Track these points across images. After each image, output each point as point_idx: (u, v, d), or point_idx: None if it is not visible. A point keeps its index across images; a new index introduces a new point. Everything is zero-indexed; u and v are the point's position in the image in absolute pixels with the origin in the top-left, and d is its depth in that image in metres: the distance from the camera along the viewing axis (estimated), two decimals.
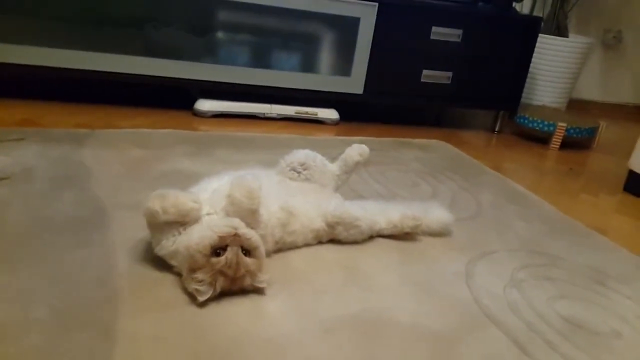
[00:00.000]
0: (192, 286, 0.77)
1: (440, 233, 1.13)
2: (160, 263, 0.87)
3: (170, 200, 0.81)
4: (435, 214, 1.12)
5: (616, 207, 1.54)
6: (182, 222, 0.82)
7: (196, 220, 0.83)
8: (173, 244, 0.82)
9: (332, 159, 1.16)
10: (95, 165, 1.23)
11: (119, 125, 1.56)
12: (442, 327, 0.83)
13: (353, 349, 0.75)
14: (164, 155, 1.36)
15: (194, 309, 0.78)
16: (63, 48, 1.58)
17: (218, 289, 0.78)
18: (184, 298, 0.80)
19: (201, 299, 0.77)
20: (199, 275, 0.77)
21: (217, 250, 0.78)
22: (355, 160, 1.14)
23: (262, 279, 0.82)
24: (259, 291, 0.83)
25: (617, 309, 0.95)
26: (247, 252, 0.81)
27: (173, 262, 0.84)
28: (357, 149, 1.15)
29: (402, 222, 1.07)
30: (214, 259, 0.77)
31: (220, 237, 0.78)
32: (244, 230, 0.81)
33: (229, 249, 0.78)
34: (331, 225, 1.00)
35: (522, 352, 0.79)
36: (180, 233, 0.82)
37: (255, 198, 0.84)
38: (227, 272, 0.78)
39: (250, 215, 0.85)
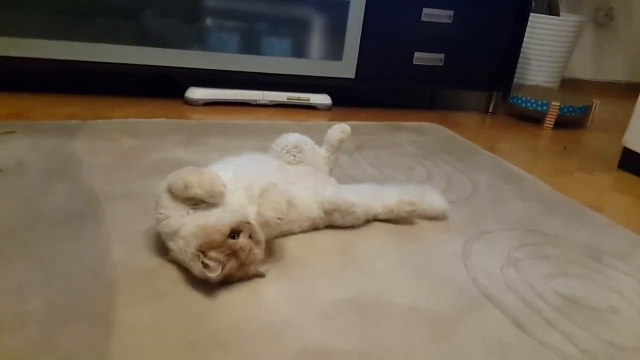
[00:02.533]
0: (202, 261, 0.76)
1: (435, 218, 1.12)
2: (156, 252, 0.86)
3: (206, 177, 0.82)
4: (431, 201, 1.11)
5: (611, 185, 1.55)
6: (206, 201, 0.83)
7: (218, 204, 0.84)
8: (178, 224, 0.82)
9: (321, 145, 1.16)
10: (86, 156, 1.22)
11: (110, 115, 1.54)
12: (440, 308, 0.83)
13: (353, 332, 0.75)
14: (156, 144, 1.35)
15: (190, 297, 0.77)
16: (50, 39, 1.56)
17: (226, 270, 0.77)
18: (180, 286, 0.79)
19: (211, 275, 0.76)
20: (213, 253, 0.76)
21: (233, 233, 0.79)
22: (339, 138, 1.14)
23: (264, 268, 0.84)
24: (260, 275, 0.83)
25: (614, 285, 0.96)
26: (254, 242, 0.81)
27: (171, 244, 0.83)
28: (338, 127, 1.15)
29: (398, 207, 1.07)
30: (231, 240, 0.78)
31: (239, 222, 0.79)
32: (253, 221, 0.82)
33: (242, 234, 0.79)
34: (328, 212, 1.00)
35: (520, 329, 0.80)
36: (188, 214, 0.82)
37: (283, 217, 0.85)
38: (241, 255, 0.78)
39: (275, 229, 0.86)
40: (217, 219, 0.79)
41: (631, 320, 0.86)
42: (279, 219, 0.84)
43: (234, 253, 0.78)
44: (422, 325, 0.78)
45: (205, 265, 0.76)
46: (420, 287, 0.88)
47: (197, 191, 0.81)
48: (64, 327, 0.69)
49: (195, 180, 0.81)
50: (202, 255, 0.77)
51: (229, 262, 0.78)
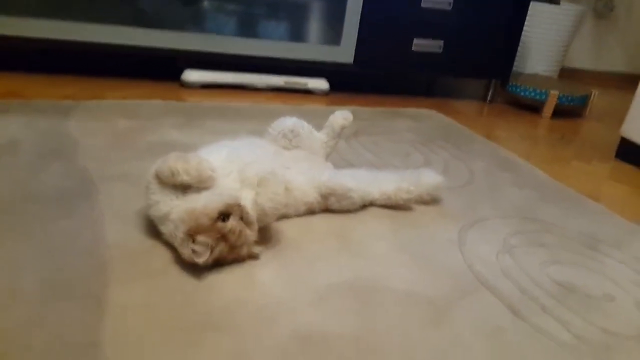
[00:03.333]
0: (190, 247, 0.76)
1: (433, 200, 1.12)
2: (150, 233, 0.85)
3: (193, 163, 0.81)
4: (426, 179, 1.10)
5: (608, 174, 1.54)
6: (194, 186, 0.82)
7: (208, 188, 0.83)
8: (168, 208, 0.81)
9: (320, 130, 1.15)
10: (81, 136, 1.20)
11: (105, 96, 1.52)
12: (436, 293, 0.82)
13: (347, 316, 0.74)
14: (152, 126, 1.33)
15: (184, 278, 0.77)
16: (47, 18, 1.53)
17: (216, 254, 0.77)
18: (174, 267, 0.79)
19: (199, 260, 0.75)
20: (201, 238, 0.76)
21: (222, 216, 0.77)
22: (341, 124, 1.13)
23: (257, 250, 0.83)
24: (253, 257, 0.82)
25: (610, 273, 0.95)
26: (245, 224, 0.80)
27: (162, 228, 0.82)
28: (341, 114, 1.14)
29: (395, 195, 1.06)
30: (220, 224, 0.77)
31: (228, 205, 0.78)
32: (244, 202, 0.81)
33: (232, 217, 0.78)
34: (324, 196, 0.99)
35: (515, 315, 0.79)
36: (177, 198, 0.81)
37: (281, 208, 0.85)
38: (230, 238, 0.77)
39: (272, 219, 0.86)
40: (205, 203, 0.78)
41: (626, 308, 0.86)
42: (275, 209, 0.84)
43: (223, 236, 0.77)
44: (417, 311, 0.78)
45: (193, 251, 0.76)
46: (416, 273, 0.87)
47: (184, 178, 0.80)
48: (55, 305, 0.68)
49: (181, 167, 0.80)
50: (190, 240, 0.76)
51: (218, 246, 0.77)
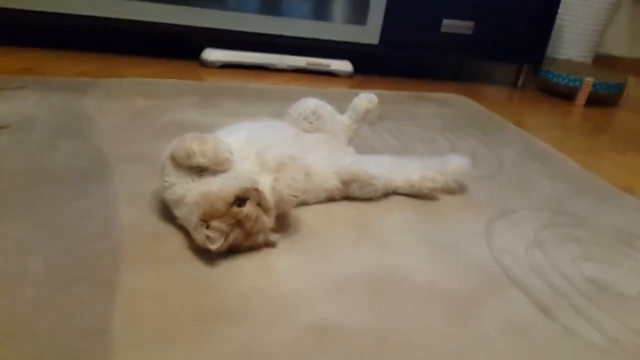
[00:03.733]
0: (204, 233, 0.73)
1: (460, 189, 1.07)
2: (164, 216, 0.82)
3: (210, 144, 0.78)
4: (453, 164, 1.06)
5: None
6: (211, 169, 0.79)
7: (225, 171, 0.80)
8: (183, 191, 0.78)
9: (343, 113, 1.11)
10: (97, 115, 1.18)
11: (123, 74, 1.50)
12: (460, 287, 0.78)
13: (366, 308, 0.71)
14: (169, 105, 1.30)
15: (198, 264, 0.74)
16: None
17: (230, 241, 0.74)
18: (188, 253, 0.76)
19: (212, 247, 0.72)
20: (215, 223, 0.72)
21: (238, 201, 0.74)
22: (365, 107, 1.08)
23: (274, 237, 0.80)
24: (270, 245, 0.79)
25: None
26: (262, 210, 0.77)
27: (177, 212, 0.79)
28: (365, 96, 1.09)
29: (420, 183, 1.02)
30: (236, 209, 0.73)
31: (244, 189, 0.75)
32: (262, 187, 0.77)
33: (248, 202, 0.74)
34: (346, 183, 0.95)
35: (545, 315, 0.75)
36: (193, 181, 0.78)
37: (299, 195, 0.81)
38: (246, 224, 0.74)
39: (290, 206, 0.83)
40: (221, 186, 0.75)
41: None
42: (294, 196, 0.80)
43: (238, 222, 0.74)
44: (440, 305, 0.74)
45: (206, 236, 0.72)
46: (439, 265, 0.83)
47: (201, 160, 0.77)
48: (64, 288, 0.66)
49: (197, 148, 0.77)
50: (204, 225, 0.73)
51: (232, 232, 0.74)
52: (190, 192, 0.77)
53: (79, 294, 0.65)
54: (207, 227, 0.73)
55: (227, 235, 0.73)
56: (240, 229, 0.74)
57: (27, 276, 0.67)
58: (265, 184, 0.80)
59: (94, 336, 0.60)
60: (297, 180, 0.80)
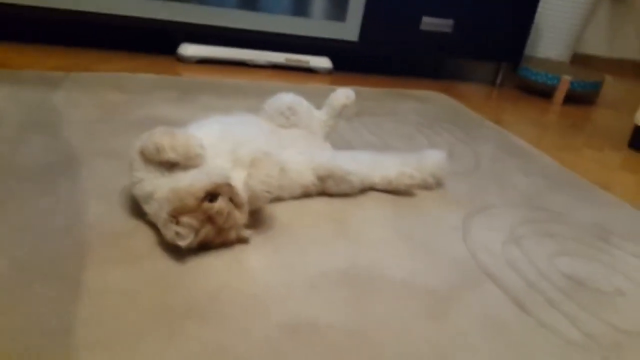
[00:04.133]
0: (173, 229, 0.70)
1: (437, 184, 1.07)
2: (134, 212, 0.80)
3: (180, 139, 0.76)
4: (429, 159, 1.05)
5: (621, 163, 1.48)
6: (182, 164, 0.76)
7: (196, 166, 0.77)
8: (153, 187, 0.76)
9: (321, 108, 1.09)
10: (69, 109, 1.15)
11: (97, 69, 1.46)
12: (437, 283, 0.77)
13: (341, 305, 0.69)
14: (144, 100, 1.27)
15: (168, 261, 0.72)
16: None
17: (201, 237, 0.72)
18: (158, 250, 0.74)
19: (182, 243, 0.70)
20: (185, 219, 0.70)
21: (209, 197, 0.72)
22: (342, 103, 1.07)
23: (247, 233, 0.78)
24: (242, 241, 0.77)
25: (621, 267, 0.90)
26: (234, 206, 0.75)
27: (146, 208, 0.77)
28: (342, 92, 1.08)
29: (398, 179, 1.01)
30: (207, 204, 0.71)
31: (216, 184, 0.73)
32: (235, 182, 0.76)
33: (220, 198, 0.72)
34: (322, 179, 0.94)
35: (521, 309, 0.74)
36: (163, 176, 0.76)
37: (273, 191, 0.79)
38: (217, 220, 0.72)
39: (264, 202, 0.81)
40: (191, 182, 0.73)
41: (638, 303, 0.81)
42: (267, 192, 0.78)
43: (209, 218, 0.72)
44: (417, 301, 0.73)
45: (176, 233, 0.70)
46: (416, 261, 0.82)
47: (171, 155, 0.75)
48: (29, 288, 0.63)
49: (167, 143, 0.75)
50: (174, 221, 0.71)
51: (203, 228, 0.72)
52: (160, 187, 0.75)
53: (43, 293, 0.63)
54: (177, 223, 0.71)
55: (197, 232, 0.71)
56: (212, 224, 0.72)
57: None
58: (239, 179, 0.79)
59: (57, 335, 0.57)
60: (270, 176, 0.78)
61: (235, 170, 0.81)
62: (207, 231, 0.72)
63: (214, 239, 0.74)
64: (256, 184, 0.77)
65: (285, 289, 0.71)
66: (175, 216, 0.71)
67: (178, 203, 0.71)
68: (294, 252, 0.79)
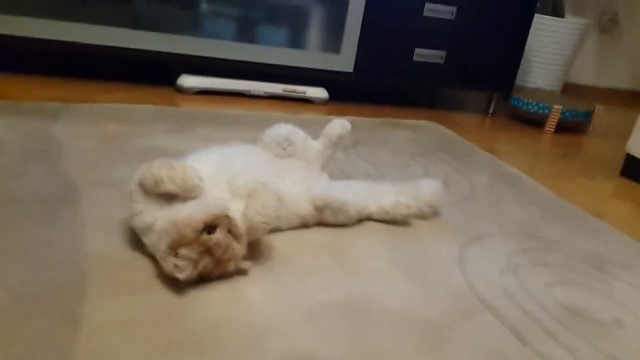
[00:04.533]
0: (171, 262, 0.71)
1: (433, 214, 1.07)
2: (133, 243, 0.80)
3: (178, 171, 0.76)
4: (425, 189, 1.06)
5: (613, 192, 1.50)
6: (180, 195, 0.77)
7: (195, 197, 0.78)
8: (152, 219, 0.76)
9: (317, 139, 1.11)
10: (68, 140, 1.16)
11: (97, 99, 1.48)
12: (434, 313, 0.77)
13: (339, 336, 0.69)
14: (143, 131, 1.29)
15: (167, 294, 0.72)
16: (38, 17, 1.49)
17: (200, 269, 0.72)
18: (156, 281, 0.74)
19: (181, 276, 0.70)
20: (184, 251, 0.70)
21: (208, 228, 0.72)
22: (338, 133, 1.09)
23: (246, 265, 0.78)
24: (241, 272, 0.77)
25: (619, 296, 0.91)
26: (233, 237, 0.75)
27: (145, 240, 0.77)
28: (338, 122, 1.10)
29: (394, 209, 1.02)
30: (205, 236, 0.72)
31: (214, 216, 0.73)
32: (233, 214, 0.76)
33: (218, 229, 0.73)
34: (319, 209, 0.95)
35: (519, 340, 0.75)
36: (162, 207, 0.76)
37: (270, 221, 0.80)
38: (216, 252, 0.72)
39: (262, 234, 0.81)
40: (189, 213, 0.73)
41: (637, 334, 0.81)
42: (265, 223, 0.79)
43: (208, 250, 0.72)
44: (414, 332, 0.73)
45: (174, 265, 0.71)
46: (413, 291, 0.82)
47: (169, 186, 0.75)
48: (27, 321, 0.63)
49: (166, 174, 0.75)
50: (172, 254, 0.71)
51: (202, 260, 0.72)
52: (159, 219, 0.75)
53: (41, 326, 0.63)
54: (176, 255, 0.71)
55: (196, 264, 0.71)
56: (210, 256, 0.72)
57: None
58: (237, 210, 0.79)
59: None
60: (268, 207, 0.79)
61: (233, 201, 0.82)
62: (205, 263, 0.72)
63: (213, 270, 0.74)
64: (253, 215, 0.78)
65: (284, 320, 0.71)
66: (173, 248, 0.71)
67: (176, 235, 0.71)
68: (292, 282, 0.79)
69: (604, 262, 1.02)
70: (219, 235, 0.72)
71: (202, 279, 0.74)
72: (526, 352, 0.72)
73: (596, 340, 0.77)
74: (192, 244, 0.71)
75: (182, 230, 0.71)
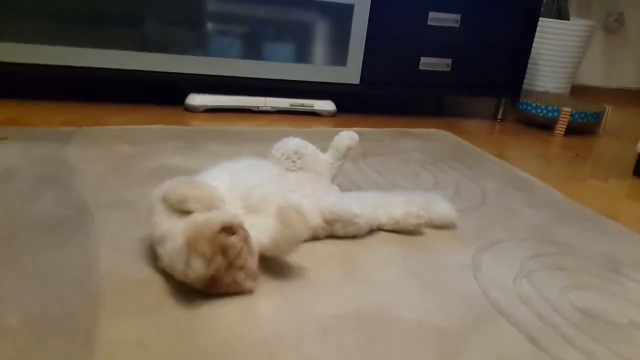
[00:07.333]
0: (185, 258, 0.71)
1: (444, 227, 1.07)
2: (146, 263, 0.81)
3: (204, 191, 0.79)
4: (438, 210, 1.06)
5: (626, 192, 1.48)
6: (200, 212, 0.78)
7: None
8: (168, 226, 0.77)
9: (326, 151, 1.12)
10: (80, 163, 1.18)
11: (107, 122, 1.51)
12: (449, 322, 0.77)
13: (353, 348, 0.69)
14: (154, 151, 1.30)
15: (180, 311, 0.72)
16: (49, 44, 1.53)
17: (212, 270, 0.71)
18: (169, 300, 0.74)
19: (194, 275, 0.71)
20: (200, 245, 0.70)
21: (225, 230, 0.73)
22: (346, 145, 1.09)
23: (251, 284, 0.77)
24: (247, 291, 0.77)
25: (635, 298, 0.89)
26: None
27: (160, 250, 0.78)
28: (346, 134, 1.11)
29: (405, 219, 1.01)
30: (222, 235, 0.72)
31: (232, 219, 0.74)
32: (249, 230, 0.77)
33: (234, 236, 0.73)
34: (329, 222, 0.95)
35: (535, 346, 0.74)
36: (180, 218, 0.77)
37: (298, 248, 0.81)
38: (230, 253, 0.72)
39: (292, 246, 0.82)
40: (207, 217, 0.74)
41: None
42: (293, 250, 0.81)
43: (223, 249, 0.72)
44: (429, 341, 0.72)
45: (188, 265, 0.71)
46: (427, 300, 0.82)
47: (194, 206, 0.77)
48: (43, 343, 0.64)
49: (192, 194, 0.77)
50: (187, 251, 0.71)
51: (215, 259, 0.71)
52: (176, 226, 0.76)
53: (57, 348, 0.63)
54: (191, 253, 0.71)
55: (209, 262, 0.71)
56: (224, 257, 0.72)
57: (3, 331, 0.65)
58: (252, 226, 0.80)
59: None
60: (299, 235, 0.79)
61: (247, 216, 0.82)
62: (218, 264, 0.72)
63: (224, 275, 0.73)
64: (282, 243, 0.79)
65: (297, 334, 0.71)
66: (190, 245, 0.71)
67: (194, 230, 0.72)
68: (305, 296, 0.80)
69: (618, 264, 1.01)
70: (235, 238, 0.73)
71: (212, 286, 0.73)
72: (543, 358, 0.72)
73: (613, 343, 0.76)
74: (209, 241, 0.71)
75: (200, 227, 0.72)
